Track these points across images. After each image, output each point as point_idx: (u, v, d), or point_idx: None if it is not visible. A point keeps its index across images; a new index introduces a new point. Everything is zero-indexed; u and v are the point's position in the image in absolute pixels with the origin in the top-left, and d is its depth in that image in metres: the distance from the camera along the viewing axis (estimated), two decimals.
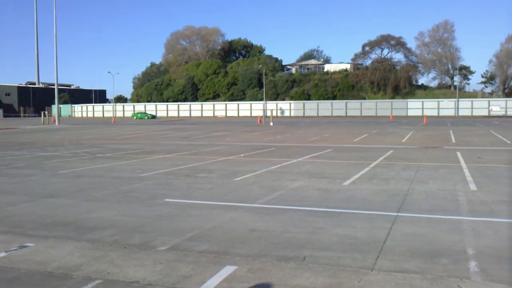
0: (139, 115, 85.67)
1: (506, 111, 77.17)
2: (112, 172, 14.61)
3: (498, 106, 78.80)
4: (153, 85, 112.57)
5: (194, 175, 13.69)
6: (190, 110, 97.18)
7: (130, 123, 60.74)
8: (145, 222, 8.16)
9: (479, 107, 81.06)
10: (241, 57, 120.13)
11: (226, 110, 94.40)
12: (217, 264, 5.85)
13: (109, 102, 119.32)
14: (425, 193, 10.42)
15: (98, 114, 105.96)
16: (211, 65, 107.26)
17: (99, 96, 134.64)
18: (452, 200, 9.63)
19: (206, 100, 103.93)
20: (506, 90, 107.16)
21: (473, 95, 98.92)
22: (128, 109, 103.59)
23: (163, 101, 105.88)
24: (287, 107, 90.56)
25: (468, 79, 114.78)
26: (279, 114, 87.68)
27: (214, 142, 26.04)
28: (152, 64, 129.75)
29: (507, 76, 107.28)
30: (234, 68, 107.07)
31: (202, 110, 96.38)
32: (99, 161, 17.68)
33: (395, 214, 8.40)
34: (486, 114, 78.11)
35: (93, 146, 24.73)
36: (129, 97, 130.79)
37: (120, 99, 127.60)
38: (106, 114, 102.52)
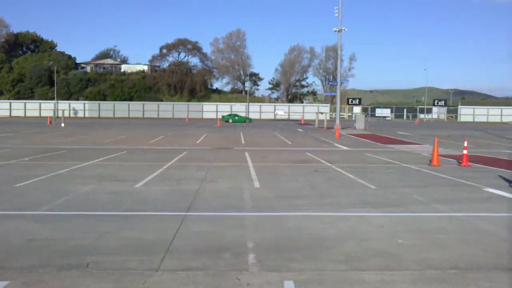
0: (236, 118, 65.16)
1: (289, 115, 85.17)
2: None
3: (283, 110, 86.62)
4: None
5: None
6: None
7: None
8: None
9: (267, 111, 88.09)
10: (29, 52, 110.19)
11: (10, 109, 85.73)
12: None
13: None
14: (214, 192, 10.88)
15: None
16: None
17: None
18: (238, 198, 10.23)
19: None
20: (289, 96, 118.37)
21: (261, 100, 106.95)
22: None
23: None
24: (81, 108, 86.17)
25: (258, 85, 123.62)
26: (72, 115, 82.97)
27: None
28: None
29: (290, 84, 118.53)
30: (21, 64, 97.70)
31: None
32: None
33: (185, 213, 8.59)
34: (273, 117, 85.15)
35: None
36: None
37: None
38: None
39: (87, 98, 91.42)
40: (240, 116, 67.27)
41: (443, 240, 7.07)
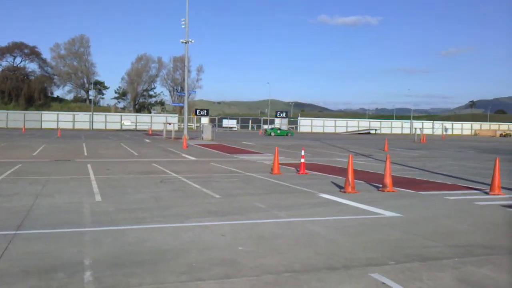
0: (278, 131, 67.56)
1: (136, 125, 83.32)
2: None
3: (129, 120, 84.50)
4: None
5: None
6: None
7: None
8: None
9: (113, 121, 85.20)
10: None
11: None
12: None
13: None
14: (50, 208, 10.15)
15: None
16: None
17: None
18: (77, 213, 9.67)
19: None
20: (136, 106, 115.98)
21: (107, 109, 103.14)
22: None
23: None
24: None
25: (103, 94, 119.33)
26: None
27: None
28: None
29: (137, 93, 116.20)
30: None
31: None
32: None
33: (14, 232, 7.85)
34: (119, 128, 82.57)
35: None
36: None
37: None
38: None
39: None
40: (282, 130, 70.01)
41: (280, 245, 7.43)
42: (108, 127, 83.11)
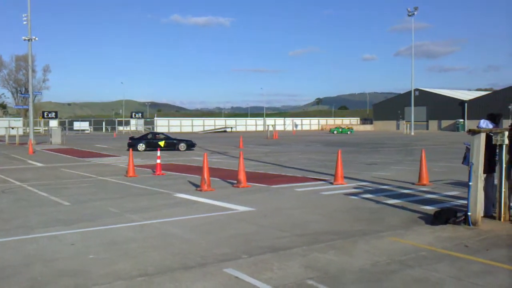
0: (340, 130, 76.83)
1: None
2: None
3: None
4: None
5: None
6: None
7: None
8: None
9: None
10: None
11: None
12: None
13: None
14: None
15: None
16: None
17: None
18: None
19: None
20: None
21: None
22: None
23: None
24: None
25: None
26: None
27: None
28: None
29: None
30: None
31: None
32: None
33: None
34: None
35: None
36: None
37: None
38: None
39: None
40: (344, 129, 78.19)
41: (134, 249, 7.24)
42: None
